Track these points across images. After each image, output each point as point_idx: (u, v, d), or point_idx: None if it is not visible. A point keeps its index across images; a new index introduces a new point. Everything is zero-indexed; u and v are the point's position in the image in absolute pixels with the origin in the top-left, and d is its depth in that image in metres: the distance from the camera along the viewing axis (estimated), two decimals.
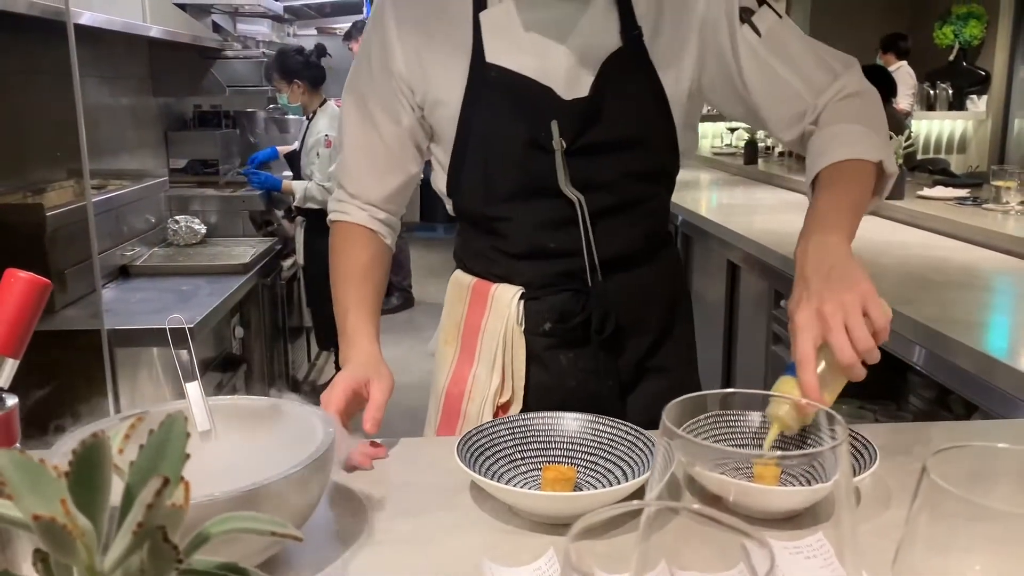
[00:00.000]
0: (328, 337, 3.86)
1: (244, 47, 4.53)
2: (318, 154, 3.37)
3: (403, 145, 1.22)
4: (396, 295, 5.68)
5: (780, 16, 1.15)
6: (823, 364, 0.88)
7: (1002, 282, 2.02)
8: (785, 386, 0.89)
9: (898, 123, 4.60)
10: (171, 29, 3.09)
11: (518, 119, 1.14)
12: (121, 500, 0.34)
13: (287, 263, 3.59)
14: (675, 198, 3.57)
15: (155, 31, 2.92)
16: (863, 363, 0.86)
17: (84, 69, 2.08)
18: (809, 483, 0.86)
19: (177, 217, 3.22)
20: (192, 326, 2.22)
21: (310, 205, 3.43)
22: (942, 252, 2.31)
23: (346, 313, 1.18)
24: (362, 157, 1.23)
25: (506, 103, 1.14)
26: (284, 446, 0.82)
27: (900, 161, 2.88)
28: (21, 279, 0.57)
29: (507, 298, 1.20)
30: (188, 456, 0.36)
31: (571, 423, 0.97)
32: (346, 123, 1.24)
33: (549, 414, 0.98)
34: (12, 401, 0.56)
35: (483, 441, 0.93)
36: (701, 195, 4.15)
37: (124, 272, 2.86)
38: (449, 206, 1.26)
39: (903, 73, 5.94)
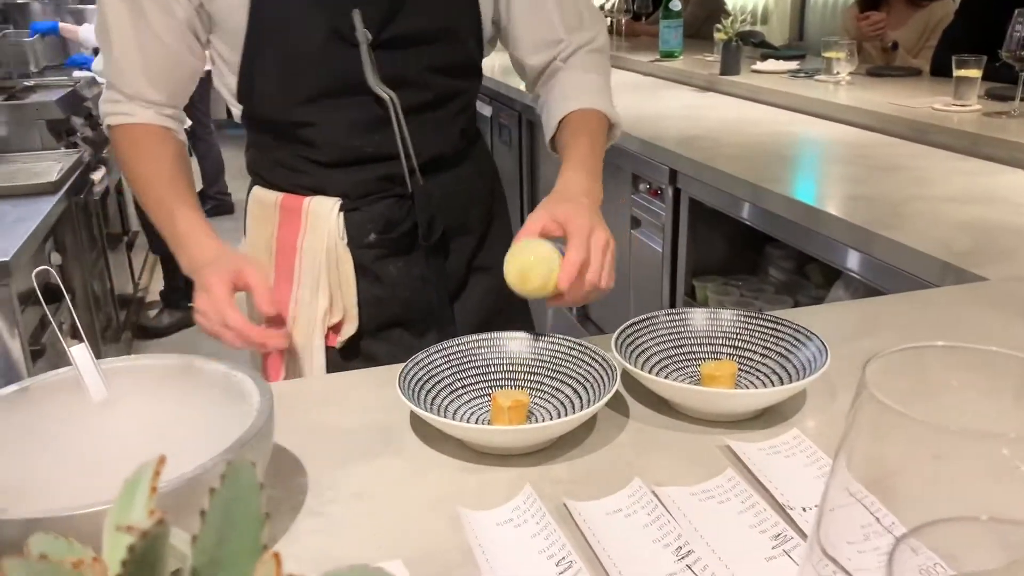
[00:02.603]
0: (160, 240, 3.54)
1: None
2: None
3: (181, 38, 1.08)
4: (208, 203, 5.30)
5: None
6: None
7: (847, 153, 2.11)
8: (537, 248, 0.89)
9: (721, 5, 4.66)
10: None
11: (317, 8, 1.04)
12: None
13: (97, 176, 3.22)
14: (516, 84, 3.45)
15: None
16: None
17: None
18: (772, 382, 0.85)
19: None
20: (8, 259, 1.94)
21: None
22: (787, 127, 2.37)
23: (171, 216, 1.07)
24: (136, 56, 1.09)
25: None
26: (207, 412, 0.70)
27: (735, 38, 2.92)
28: None
29: (325, 211, 1.12)
30: (268, 516, 0.26)
31: (510, 344, 0.90)
32: (111, 15, 1.08)
33: (486, 336, 0.90)
34: None
35: (420, 373, 0.85)
36: None
37: None
38: (237, 112, 1.13)
39: None
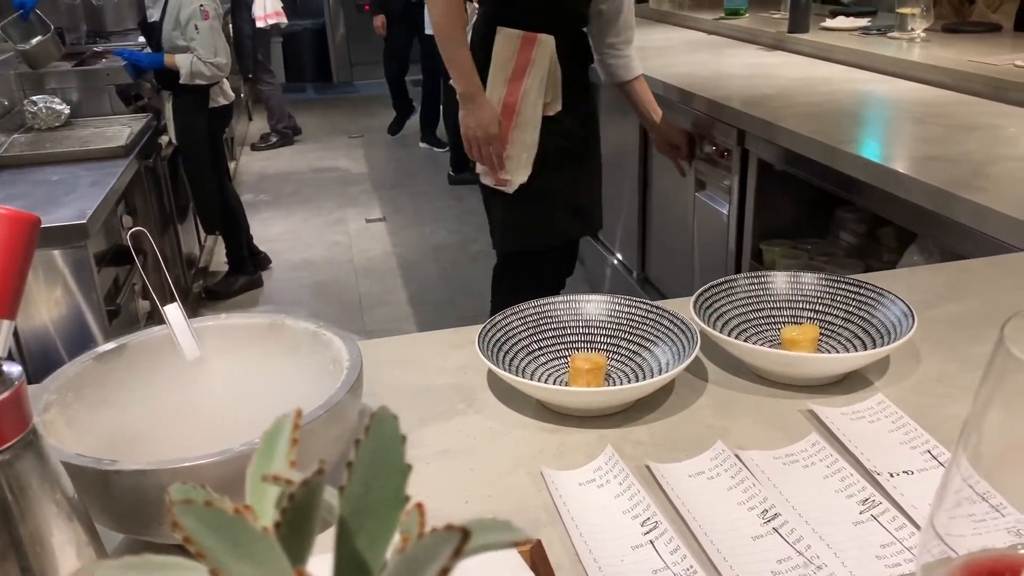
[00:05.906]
0: (213, 221, 3.59)
1: None
2: (197, 27, 2.92)
3: None
4: (274, 136, 6.20)
5: None
6: None
7: (923, 112, 2.04)
8: None
9: None
10: None
11: None
12: (335, 540, 0.25)
13: (164, 140, 3.29)
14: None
15: None
16: None
17: None
18: (855, 346, 0.84)
19: (34, 97, 2.86)
20: (85, 222, 2.00)
21: (198, 82, 3.03)
22: (859, 86, 2.30)
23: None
24: None
25: None
26: (295, 370, 0.72)
27: None
28: (2, 217, 0.44)
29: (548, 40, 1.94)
30: (410, 468, 0.26)
31: (587, 306, 0.90)
32: None
33: (562, 298, 0.90)
34: (16, 371, 0.44)
35: (497, 335, 0.86)
36: None
37: None
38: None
39: None
